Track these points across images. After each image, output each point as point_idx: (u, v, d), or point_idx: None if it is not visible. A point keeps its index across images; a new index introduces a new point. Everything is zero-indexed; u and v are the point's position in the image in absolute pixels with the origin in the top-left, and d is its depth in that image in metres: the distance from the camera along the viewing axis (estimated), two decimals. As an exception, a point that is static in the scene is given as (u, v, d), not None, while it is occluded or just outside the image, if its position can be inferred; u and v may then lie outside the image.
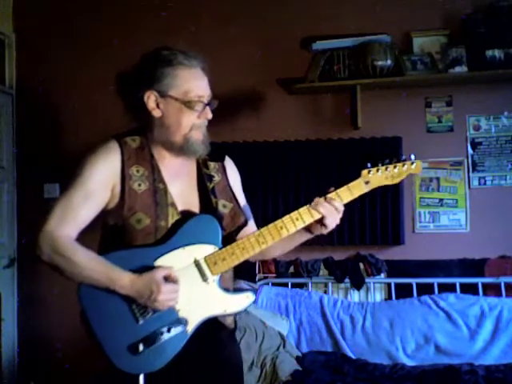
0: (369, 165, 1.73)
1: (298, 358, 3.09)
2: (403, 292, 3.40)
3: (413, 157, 1.75)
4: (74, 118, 3.81)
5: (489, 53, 3.30)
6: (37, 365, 3.72)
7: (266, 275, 3.56)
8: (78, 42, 3.83)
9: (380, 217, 3.46)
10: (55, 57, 3.86)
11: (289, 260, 3.52)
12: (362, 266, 3.47)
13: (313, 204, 1.67)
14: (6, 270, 3.78)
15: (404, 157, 1.76)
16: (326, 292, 3.50)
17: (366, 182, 1.72)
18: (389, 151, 3.47)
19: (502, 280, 3.32)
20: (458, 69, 3.35)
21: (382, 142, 3.50)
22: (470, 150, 3.50)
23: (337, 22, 3.58)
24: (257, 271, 3.54)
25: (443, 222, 3.50)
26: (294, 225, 1.67)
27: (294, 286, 3.51)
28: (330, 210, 1.67)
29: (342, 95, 3.56)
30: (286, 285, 3.49)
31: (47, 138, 3.85)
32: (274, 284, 3.51)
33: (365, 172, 1.72)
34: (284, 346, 3.11)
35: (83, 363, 3.63)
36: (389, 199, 3.44)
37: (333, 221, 1.68)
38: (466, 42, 3.37)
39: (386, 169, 1.72)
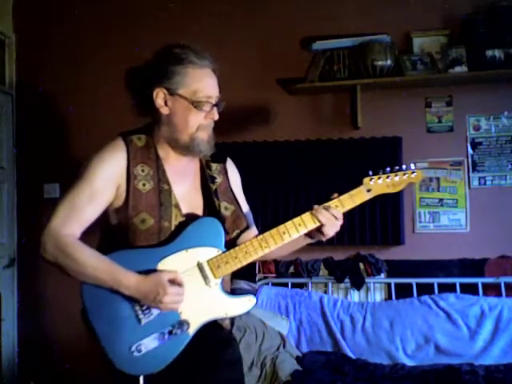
0: (370, 172, 1.75)
1: (298, 358, 3.09)
2: (403, 292, 3.39)
3: (413, 166, 1.78)
4: (73, 118, 3.81)
5: (489, 53, 3.30)
6: (37, 365, 3.72)
7: (266, 275, 3.56)
8: (78, 42, 3.84)
9: (380, 217, 3.46)
10: (55, 57, 3.86)
11: (289, 260, 3.52)
12: (362, 266, 3.47)
13: (313, 211, 1.68)
14: (6, 270, 3.78)
15: (405, 165, 1.78)
16: (326, 292, 3.50)
17: (368, 190, 1.73)
18: (389, 151, 3.48)
19: (502, 280, 3.32)
20: (457, 69, 3.35)
21: (382, 142, 3.50)
22: (470, 150, 3.50)
23: (337, 22, 3.57)
24: (257, 271, 3.54)
25: (443, 221, 3.50)
26: (296, 230, 1.68)
27: (294, 285, 3.51)
28: (329, 218, 1.67)
29: (342, 95, 3.56)
30: (286, 285, 3.49)
31: (47, 138, 3.85)
32: (273, 284, 3.51)
33: (366, 180, 1.74)
34: (284, 346, 3.11)
35: (83, 363, 3.64)
36: (389, 199, 3.43)
37: (332, 229, 1.69)
38: (466, 41, 3.37)
39: (388, 177, 1.74)
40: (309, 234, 1.74)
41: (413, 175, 1.77)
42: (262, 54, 3.63)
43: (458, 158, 3.50)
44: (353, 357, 3.16)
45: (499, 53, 3.29)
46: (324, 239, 1.73)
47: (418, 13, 3.52)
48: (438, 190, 3.50)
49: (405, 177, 1.76)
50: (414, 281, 3.39)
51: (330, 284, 3.49)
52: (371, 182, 1.73)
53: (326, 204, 1.70)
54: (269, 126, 3.63)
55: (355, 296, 3.50)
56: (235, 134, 3.57)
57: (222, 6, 3.71)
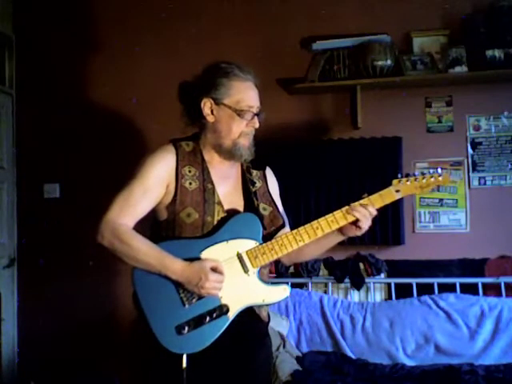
0: (399, 175, 1.88)
1: (298, 358, 3.09)
2: (403, 292, 3.40)
3: (440, 170, 1.89)
4: (73, 118, 3.80)
5: (489, 53, 3.30)
6: (37, 365, 3.72)
7: (266, 275, 3.56)
8: (77, 42, 3.84)
9: (380, 217, 3.39)
10: (55, 57, 3.86)
11: (289, 260, 3.52)
12: (362, 266, 3.47)
13: (348, 208, 1.83)
14: (6, 270, 3.78)
15: (432, 170, 1.89)
16: (326, 292, 3.51)
17: (397, 191, 1.86)
18: (389, 151, 3.47)
19: (502, 280, 3.32)
20: (458, 69, 3.35)
21: (382, 142, 3.50)
22: (470, 150, 3.50)
23: (337, 22, 3.58)
24: (257, 271, 3.54)
25: (443, 221, 3.50)
26: (328, 226, 1.82)
27: (294, 285, 3.50)
28: (365, 213, 1.83)
29: (342, 95, 3.56)
30: (286, 285, 3.49)
31: (47, 138, 3.85)
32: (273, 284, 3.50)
33: (395, 181, 1.87)
34: (284, 346, 3.11)
35: (83, 363, 3.64)
36: (389, 199, 3.44)
37: (367, 223, 1.85)
38: (466, 41, 3.37)
39: (416, 179, 1.86)
40: (341, 232, 1.87)
41: (440, 178, 1.87)
42: (262, 54, 3.62)
43: (458, 158, 3.50)
44: (353, 357, 3.16)
45: (499, 53, 3.29)
46: (359, 234, 1.86)
47: (418, 13, 3.52)
48: (438, 190, 3.50)
49: (432, 179, 1.87)
50: (414, 281, 3.40)
51: (330, 284, 3.49)
52: (400, 183, 1.86)
53: (362, 202, 1.84)
54: (269, 126, 3.62)
55: (355, 296, 3.51)
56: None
57: (222, 6, 3.71)
